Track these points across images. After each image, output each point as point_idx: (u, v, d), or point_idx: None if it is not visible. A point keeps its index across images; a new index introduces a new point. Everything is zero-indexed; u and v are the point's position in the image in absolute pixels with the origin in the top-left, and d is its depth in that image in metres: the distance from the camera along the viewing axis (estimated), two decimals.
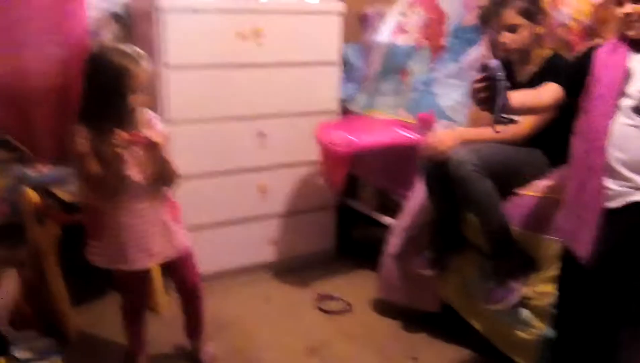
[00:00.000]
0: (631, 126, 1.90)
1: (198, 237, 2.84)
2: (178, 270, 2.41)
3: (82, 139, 2.10)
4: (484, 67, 1.95)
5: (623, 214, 1.91)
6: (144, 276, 2.43)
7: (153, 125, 2.24)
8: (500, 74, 1.90)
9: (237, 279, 3.18)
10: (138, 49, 2.17)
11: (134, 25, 3.13)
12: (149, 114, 2.25)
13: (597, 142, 1.97)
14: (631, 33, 1.95)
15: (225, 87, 2.99)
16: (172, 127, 2.51)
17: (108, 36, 3.09)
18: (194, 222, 2.88)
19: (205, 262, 2.97)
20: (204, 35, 2.89)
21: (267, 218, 3.23)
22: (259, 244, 3.24)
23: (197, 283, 2.47)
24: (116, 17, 3.10)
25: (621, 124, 1.92)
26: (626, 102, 1.94)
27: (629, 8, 1.93)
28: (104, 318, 2.74)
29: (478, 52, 3.17)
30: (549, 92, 2.18)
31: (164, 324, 2.73)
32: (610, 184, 1.94)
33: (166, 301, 2.86)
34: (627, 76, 1.98)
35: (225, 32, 2.93)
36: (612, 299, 1.95)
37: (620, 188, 1.92)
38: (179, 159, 2.26)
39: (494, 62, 1.91)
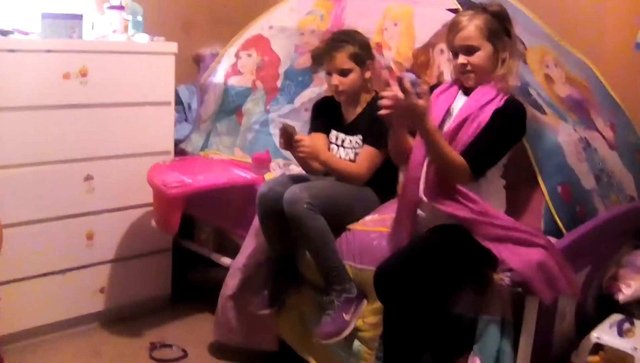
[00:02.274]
0: None
1: (18, 290, 2.65)
2: None
3: None
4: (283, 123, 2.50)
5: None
6: None
7: None
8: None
9: (64, 332, 2.97)
10: None
11: None
12: None
13: (412, 174, 2.15)
14: (467, 83, 2.28)
15: (48, 130, 2.82)
16: None
17: None
18: (14, 274, 2.69)
19: (27, 316, 2.80)
20: (24, 76, 2.72)
21: (96, 266, 3.05)
22: (87, 294, 3.04)
23: None
24: None
25: None
26: None
27: (462, 59, 2.24)
28: None
29: (310, 93, 3.26)
30: (365, 161, 2.61)
31: None
32: (420, 212, 2.22)
33: None
34: (447, 114, 2.17)
35: (49, 72, 2.78)
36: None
37: (426, 216, 2.19)
38: None
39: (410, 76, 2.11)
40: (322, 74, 2.85)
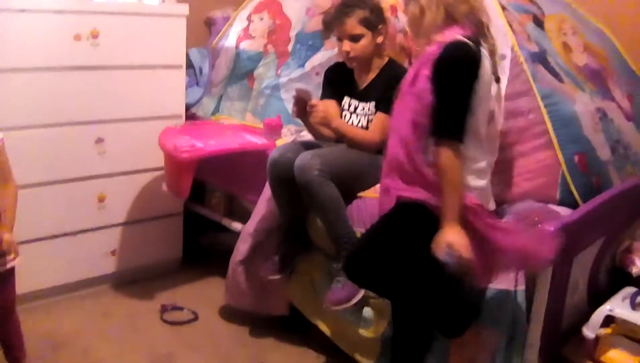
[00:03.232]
0: None
1: (31, 251, 2.66)
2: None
3: None
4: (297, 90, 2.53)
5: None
6: None
7: None
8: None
9: (74, 294, 2.99)
10: None
11: None
12: None
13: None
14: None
15: (60, 91, 2.80)
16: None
17: None
18: (27, 235, 2.69)
19: (39, 278, 2.81)
20: (36, 37, 2.69)
21: (108, 229, 3.06)
22: (98, 256, 3.05)
23: (11, 304, 2.23)
24: None
25: None
26: None
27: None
28: None
29: (321, 57, 3.22)
30: (378, 128, 2.52)
31: None
32: None
33: None
34: None
35: (58, 33, 2.75)
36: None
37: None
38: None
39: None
40: (333, 39, 2.80)
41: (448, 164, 1.95)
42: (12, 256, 2.10)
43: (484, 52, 2.03)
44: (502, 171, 2.45)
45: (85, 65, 2.85)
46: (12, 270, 2.15)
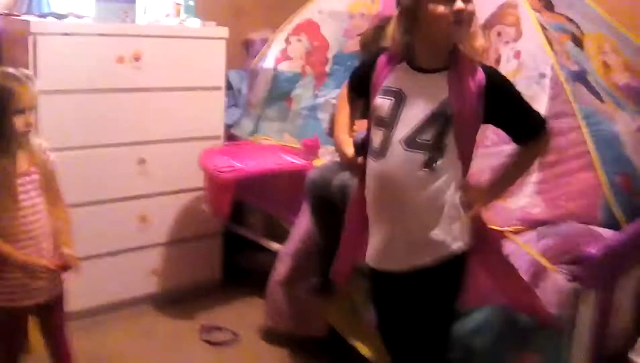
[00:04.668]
0: None
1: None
2: (50, 307, 2.24)
3: None
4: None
5: None
6: (27, 313, 2.21)
7: (45, 153, 2.16)
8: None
9: (117, 313, 3.03)
10: (25, 71, 2.12)
11: (4, 48, 2.95)
12: (39, 140, 2.16)
13: None
14: (451, 38, 1.79)
15: (103, 113, 2.86)
16: None
17: None
18: None
19: (83, 297, 2.83)
20: (79, 59, 2.76)
21: (149, 248, 3.11)
22: (140, 276, 3.10)
23: (63, 322, 2.28)
24: None
25: None
26: None
27: (459, 4, 1.73)
28: None
29: None
30: None
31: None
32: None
33: (38, 340, 2.66)
34: (395, 95, 1.95)
35: (102, 55, 2.82)
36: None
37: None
38: None
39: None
40: None
41: (547, 149, 1.98)
42: (71, 271, 2.14)
43: None
44: (544, 191, 2.43)
45: (128, 87, 2.91)
46: (63, 292, 2.21)
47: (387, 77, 1.84)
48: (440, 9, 1.70)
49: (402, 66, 1.83)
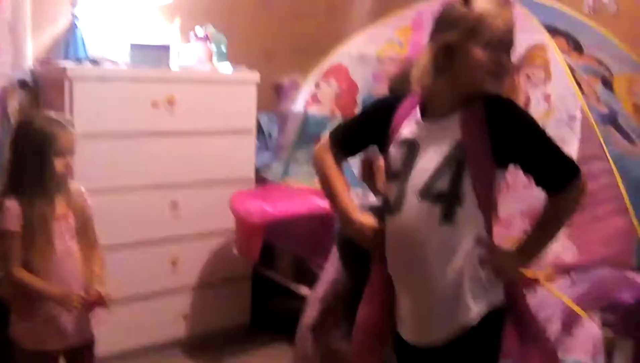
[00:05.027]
0: None
1: (103, 314, 2.72)
2: (80, 351, 2.25)
3: (12, 216, 2.04)
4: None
5: None
6: (57, 357, 2.23)
7: (83, 196, 2.23)
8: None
9: (146, 358, 3.02)
10: (66, 116, 2.24)
11: (41, 92, 3.04)
12: (76, 184, 2.22)
13: None
14: (492, 88, 1.65)
15: (137, 156, 2.92)
16: None
17: (14, 105, 2.99)
18: None
19: (113, 341, 2.83)
20: (114, 104, 2.83)
21: (179, 292, 3.13)
22: (169, 319, 3.11)
23: None
24: (22, 85, 3.01)
25: None
26: None
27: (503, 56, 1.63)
28: None
29: None
30: None
31: None
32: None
33: None
34: (408, 145, 1.82)
35: (137, 100, 2.89)
36: None
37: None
38: None
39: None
40: None
41: (582, 201, 1.67)
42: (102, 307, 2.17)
43: None
44: (576, 236, 2.40)
45: (162, 130, 2.97)
46: (94, 337, 2.24)
47: (404, 126, 1.72)
48: (482, 55, 1.59)
49: (417, 113, 1.71)
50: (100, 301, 2.14)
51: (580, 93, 2.61)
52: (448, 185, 1.60)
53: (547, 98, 2.69)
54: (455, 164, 1.60)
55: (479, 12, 1.60)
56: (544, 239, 1.72)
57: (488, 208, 1.64)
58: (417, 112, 1.71)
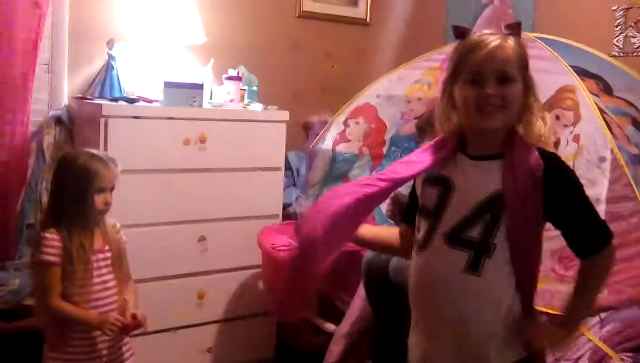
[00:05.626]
0: None
1: (133, 345, 2.74)
2: None
3: (52, 247, 2.09)
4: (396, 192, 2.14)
5: None
6: None
7: (118, 232, 2.29)
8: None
9: None
10: (106, 153, 2.30)
11: (76, 129, 3.13)
12: (112, 220, 2.28)
13: None
14: (485, 124, 1.60)
15: (167, 192, 2.97)
16: None
17: (49, 140, 3.08)
18: None
19: None
20: (148, 141, 2.89)
21: (205, 326, 3.13)
22: (194, 353, 3.11)
23: None
24: (58, 121, 3.10)
25: None
26: None
27: (491, 88, 1.55)
28: None
29: None
30: None
31: None
32: None
33: None
34: (444, 184, 1.77)
35: (170, 138, 2.94)
36: None
37: None
38: None
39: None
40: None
41: (612, 265, 1.63)
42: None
43: None
44: None
45: (193, 168, 3.02)
46: None
47: (436, 164, 1.65)
48: (466, 92, 1.55)
49: (452, 153, 1.65)
50: (136, 323, 2.17)
51: (609, 134, 2.60)
52: (479, 235, 1.54)
53: (576, 139, 2.68)
54: (491, 213, 1.54)
55: (460, 47, 1.60)
56: (581, 307, 1.62)
57: (522, 264, 1.56)
58: (451, 150, 1.65)
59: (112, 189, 2.20)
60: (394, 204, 2.57)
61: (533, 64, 1.64)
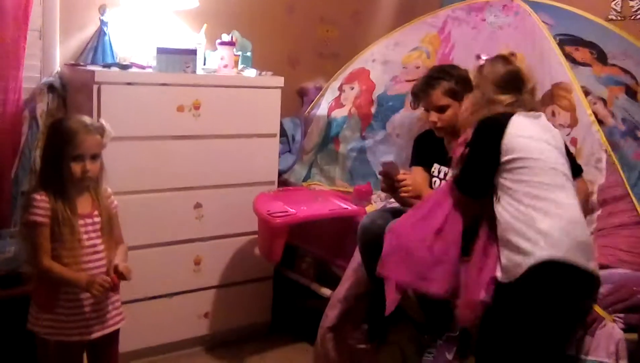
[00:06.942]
0: None
1: (128, 311, 2.75)
2: (104, 344, 2.29)
3: (40, 208, 2.10)
4: (382, 164, 2.60)
5: None
6: (83, 349, 2.27)
7: (109, 198, 2.31)
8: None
9: (168, 355, 3.07)
10: (100, 122, 2.25)
11: (68, 96, 3.10)
12: (104, 186, 2.28)
13: None
14: None
15: (162, 159, 2.96)
16: None
17: (42, 107, 3.06)
18: (125, 296, 2.75)
19: (136, 338, 2.88)
20: (141, 108, 2.87)
21: (201, 291, 3.15)
22: (192, 318, 3.14)
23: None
24: (50, 88, 3.07)
25: None
26: None
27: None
28: None
29: (401, 118, 3.28)
30: None
31: None
32: None
33: None
34: None
35: (163, 104, 2.92)
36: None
37: None
38: None
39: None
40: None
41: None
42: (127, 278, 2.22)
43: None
44: (599, 237, 2.41)
45: (187, 134, 3.00)
46: (118, 331, 2.27)
47: None
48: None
49: None
50: (120, 276, 2.18)
51: (605, 140, 2.64)
52: None
53: (574, 142, 2.71)
54: None
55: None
56: None
57: None
58: None
59: (93, 157, 2.18)
60: (386, 179, 2.57)
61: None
